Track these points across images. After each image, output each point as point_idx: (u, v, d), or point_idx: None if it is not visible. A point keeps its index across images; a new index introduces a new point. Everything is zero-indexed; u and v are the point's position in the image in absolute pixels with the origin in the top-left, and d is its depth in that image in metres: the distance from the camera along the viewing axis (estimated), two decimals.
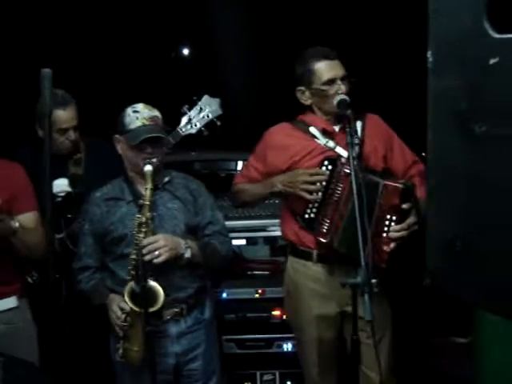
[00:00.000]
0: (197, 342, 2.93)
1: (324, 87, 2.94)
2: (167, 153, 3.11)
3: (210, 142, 3.70)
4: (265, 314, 3.81)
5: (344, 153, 2.91)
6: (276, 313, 3.80)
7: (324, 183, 2.88)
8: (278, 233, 3.79)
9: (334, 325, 3.05)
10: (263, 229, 3.91)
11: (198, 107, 3.22)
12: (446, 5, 1.49)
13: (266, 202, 3.81)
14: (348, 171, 2.78)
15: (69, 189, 3.23)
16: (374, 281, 2.40)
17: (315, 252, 2.99)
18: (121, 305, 2.74)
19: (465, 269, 1.54)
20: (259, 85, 9.46)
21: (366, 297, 2.37)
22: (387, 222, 2.82)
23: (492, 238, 1.48)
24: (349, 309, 2.90)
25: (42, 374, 2.46)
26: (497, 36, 1.41)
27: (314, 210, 2.91)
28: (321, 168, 2.90)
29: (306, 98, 3.02)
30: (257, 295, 3.83)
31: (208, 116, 3.22)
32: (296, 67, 3.03)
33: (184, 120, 3.23)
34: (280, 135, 3.09)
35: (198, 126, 3.21)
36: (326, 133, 3.00)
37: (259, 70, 9.13)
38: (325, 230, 2.88)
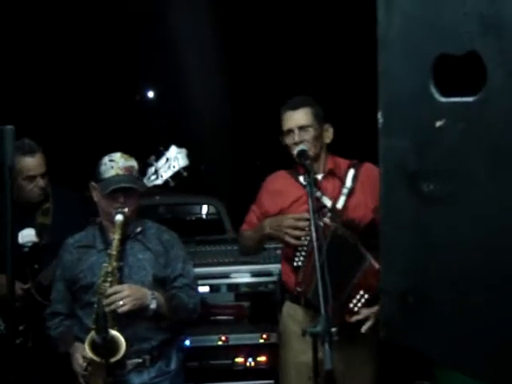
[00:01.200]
0: None
1: (285, 138, 3.03)
2: None
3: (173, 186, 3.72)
4: (228, 361, 3.80)
5: (328, 202, 2.97)
6: (239, 359, 3.79)
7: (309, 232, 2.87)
8: (241, 279, 3.84)
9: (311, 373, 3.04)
10: (226, 276, 3.91)
11: (164, 158, 3.24)
12: (395, 67, 1.55)
13: (230, 247, 3.87)
14: (321, 224, 2.80)
15: (36, 239, 3.20)
16: (333, 329, 2.41)
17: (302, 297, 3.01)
18: (83, 353, 2.72)
19: (417, 322, 1.58)
20: (226, 128, 9.56)
21: (326, 346, 2.38)
22: (358, 297, 2.82)
23: (442, 292, 1.53)
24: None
25: None
26: (443, 99, 1.48)
27: (302, 258, 2.92)
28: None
29: (287, 142, 3.06)
30: (220, 342, 3.81)
31: (174, 167, 3.24)
32: None
33: (150, 171, 3.24)
34: (275, 182, 3.18)
35: (165, 177, 3.22)
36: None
37: (227, 115, 9.22)
38: (300, 280, 2.92)
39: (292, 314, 3.10)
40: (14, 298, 2.31)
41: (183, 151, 3.27)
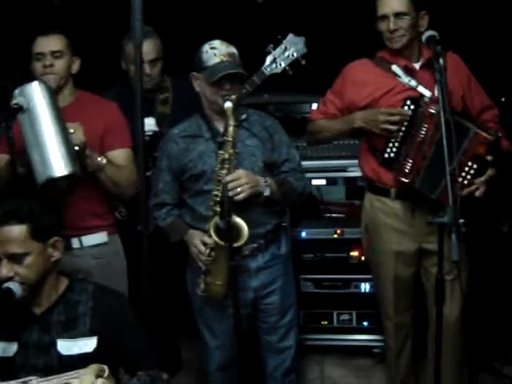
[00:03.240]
0: (274, 276, 2.97)
1: (380, 23, 2.91)
2: (248, 94, 3.11)
3: (282, 83, 3.66)
4: (343, 254, 3.82)
5: (426, 92, 2.87)
6: (354, 253, 3.80)
7: (406, 123, 2.84)
8: (358, 173, 3.78)
9: (411, 261, 3.04)
10: (343, 169, 3.87)
11: (282, 46, 3.18)
12: None
13: (346, 142, 3.81)
14: (433, 111, 2.75)
15: (156, 128, 3.26)
16: (461, 221, 2.37)
17: (393, 189, 2.98)
18: (204, 239, 2.78)
19: None
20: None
21: (454, 237, 2.35)
22: (466, 169, 2.78)
23: None
24: (427, 246, 2.93)
25: (131, 304, 2.53)
26: None
27: (395, 149, 2.89)
28: (403, 107, 2.86)
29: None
30: (335, 235, 3.83)
31: (293, 55, 3.18)
32: None
33: (269, 59, 3.19)
34: (360, 71, 3.06)
35: (283, 64, 3.18)
36: (408, 70, 2.94)
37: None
38: (407, 170, 2.86)
39: (379, 207, 3.06)
40: (143, 180, 2.36)
41: (302, 39, 3.20)
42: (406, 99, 2.86)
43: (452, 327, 2.96)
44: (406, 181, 2.87)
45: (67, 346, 2.31)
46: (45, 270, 2.31)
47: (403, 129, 2.84)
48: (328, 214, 4.10)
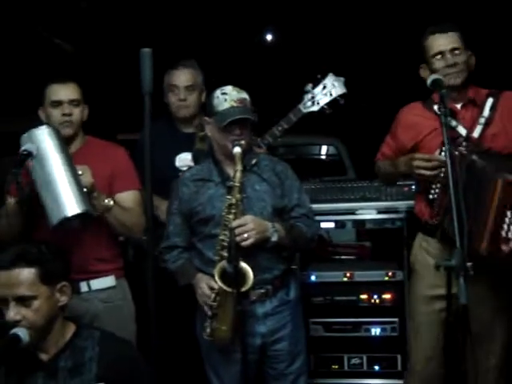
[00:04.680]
0: (283, 322, 2.94)
1: (435, 62, 2.92)
2: (283, 131, 3.22)
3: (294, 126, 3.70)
4: (353, 298, 3.79)
5: (463, 131, 2.87)
6: (364, 296, 3.77)
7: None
8: (367, 216, 3.79)
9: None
10: (352, 212, 3.87)
11: (321, 85, 3.22)
12: None
13: (355, 185, 3.82)
14: (456, 152, 2.71)
15: (191, 163, 3.29)
16: (469, 264, 2.34)
17: (439, 230, 2.94)
18: (210, 283, 2.78)
19: None
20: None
21: (461, 280, 2.31)
22: (507, 220, 2.61)
23: None
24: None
25: (138, 351, 2.52)
26: None
27: (437, 190, 2.86)
28: (441, 149, 2.81)
29: (425, 74, 2.96)
30: (345, 278, 3.80)
31: (331, 94, 3.22)
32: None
33: (307, 97, 3.23)
34: (409, 114, 3.09)
35: (321, 103, 3.21)
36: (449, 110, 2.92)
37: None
38: (435, 212, 2.85)
39: (425, 247, 3.03)
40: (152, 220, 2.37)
41: (341, 79, 3.25)
42: (443, 142, 2.83)
43: (491, 374, 2.95)
44: (436, 222, 2.86)
45: None
46: (52, 315, 2.31)
47: (443, 169, 2.78)
48: (337, 257, 4.11)
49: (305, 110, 3.24)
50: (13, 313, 2.23)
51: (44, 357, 2.34)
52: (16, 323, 2.23)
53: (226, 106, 2.81)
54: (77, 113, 2.97)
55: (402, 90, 3.09)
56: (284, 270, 2.95)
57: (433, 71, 2.91)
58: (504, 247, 2.61)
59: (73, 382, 2.30)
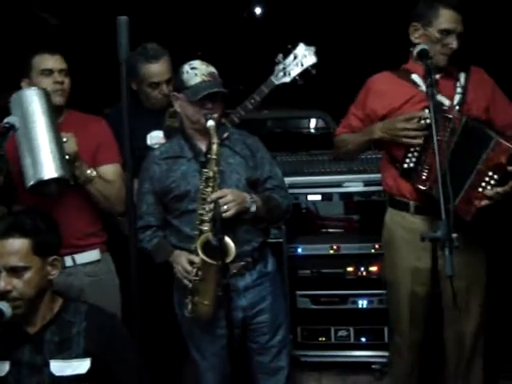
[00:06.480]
0: (263, 295, 2.94)
1: (438, 35, 2.89)
2: (256, 104, 3.15)
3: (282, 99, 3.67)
4: (340, 270, 3.80)
5: (445, 101, 2.88)
6: (350, 269, 3.79)
7: (424, 132, 2.80)
8: (354, 188, 3.78)
9: (428, 279, 2.99)
10: (339, 184, 3.86)
11: (292, 55, 3.18)
12: None
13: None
14: (450, 116, 2.75)
15: (163, 141, 3.25)
16: (454, 235, 2.34)
17: (413, 203, 2.96)
18: (191, 258, 2.76)
19: None
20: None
21: (447, 251, 2.31)
22: (487, 179, 2.69)
23: None
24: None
25: (124, 324, 2.52)
26: None
27: (414, 159, 2.86)
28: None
29: (417, 35, 2.95)
30: (332, 251, 3.81)
31: (303, 64, 3.18)
32: (421, 3, 2.97)
33: (278, 69, 3.19)
34: (381, 81, 3.06)
35: (293, 74, 3.17)
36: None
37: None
38: (424, 177, 2.84)
39: (399, 221, 3.03)
40: (133, 197, 2.35)
41: (312, 49, 3.20)
42: (424, 108, 2.83)
43: (468, 340, 3.00)
44: (423, 188, 2.84)
45: (60, 367, 2.30)
46: (42, 287, 2.32)
47: (422, 138, 2.81)
48: (325, 230, 4.11)
49: (277, 82, 3.20)
50: (3, 283, 2.24)
51: (30, 330, 2.35)
52: (6, 293, 2.23)
53: (197, 80, 2.77)
54: (67, 82, 2.95)
55: (391, 63, 3.04)
56: (261, 243, 2.95)
57: (428, 40, 2.89)
58: (476, 202, 2.68)
59: (60, 356, 2.32)
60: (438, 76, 2.93)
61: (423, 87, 2.90)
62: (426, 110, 2.77)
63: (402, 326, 3.10)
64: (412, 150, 2.87)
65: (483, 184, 2.69)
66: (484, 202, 2.70)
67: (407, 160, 2.89)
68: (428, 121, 2.74)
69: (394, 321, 3.17)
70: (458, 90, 2.93)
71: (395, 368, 3.23)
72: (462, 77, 2.97)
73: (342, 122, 3.21)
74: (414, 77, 2.95)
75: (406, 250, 3.01)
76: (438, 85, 2.89)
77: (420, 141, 2.83)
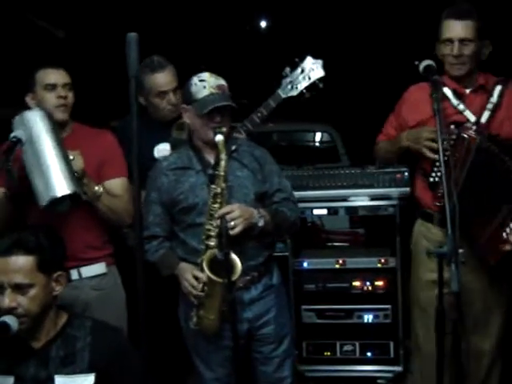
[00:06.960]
0: (268, 307, 2.94)
1: (443, 46, 2.91)
2: (263, 117, 3.15)
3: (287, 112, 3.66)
4: (345, 285, 3.78)
5: (471, 117, 2.88)
6: (356, 283, 3.77)
7: (449, 147, 2.77)
8: (360, 203, 3.77)
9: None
10: (344, 199, 3.85)
11: (299, 69, 3.18)
12: None
13: (348, 171, 3.80)
14: (465, 136, 2.74)
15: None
16: (461, 251, 2.34)
17: (437, 215, 2.96)
18: (196, 273, 2.74)
19: None
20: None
21: (453, 267, 2.32)
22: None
23: None
24: (466, 277, 2.77)
25: (129, 339, 2.51)
26: None
27: (439, 173, 2.82)
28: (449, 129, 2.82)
29: (438, 53, 2.96)
30: (337, 265, 3.80)
31: (310, 78, 3.18)
32: None
33: (285, 82, 3.19)
34: (416, 93, 3.08)
35: (300, 88, 3.17)
36: (457, 94, 2.93)
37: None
38: (440, 194, 2.80)
39: (424, 232, 3.05)
40: (140, 211, 2.34)
41: (319, 62, 3.20)
42: (450, 123, 2.83)
43: (486, 359, 2.99)
44: (438, 204, 2.84)
45: (65, 382, 2.29)
46: (47, 304, 2.31)
47: (447, 153, 2.76)
48: (330, 244, 4.10)
49: (284, 95, 3.20)
50: (8, 300, 2.23)
51: (35, 345, 2.33)
52: (11, 310, 2.23)
53: (206, 93, 2.75)
54: (71, 96, 2.95)
55: (397, 77, 3.05)
56: (268, 257, 2.94)
57: (440, 54, 2.93)
58: (501, 246, 2.67)
59: (65, 371, 2.30)
60: (467, 91, 2.95)
61: (452, 101, 2.91)
62: (452, 126, 2.78)
63: (421, 340, 3.09)
64: (437, 164, 2.84)
65: (508, 230, 2.67)
66: (509, 247, 2.67)
67: (433, 174, 2.89)
68: (453, 136, 2.76)
69: (413, 333, 3.18)
70: (489, 106, 2.89)
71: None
72: (497, 92, 2.92)
73: (382, 130, 3.26)
74: (446, 90, 2.93)
75: (428, 261, 2.92)
76: (466, 99, 2.91)
77: (442, 157, 2.76)
